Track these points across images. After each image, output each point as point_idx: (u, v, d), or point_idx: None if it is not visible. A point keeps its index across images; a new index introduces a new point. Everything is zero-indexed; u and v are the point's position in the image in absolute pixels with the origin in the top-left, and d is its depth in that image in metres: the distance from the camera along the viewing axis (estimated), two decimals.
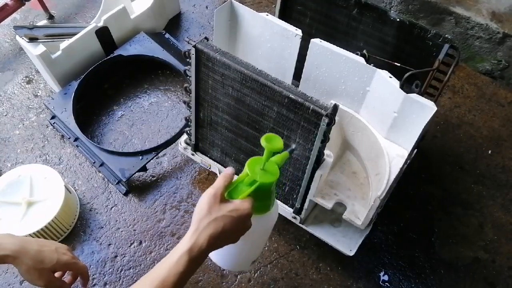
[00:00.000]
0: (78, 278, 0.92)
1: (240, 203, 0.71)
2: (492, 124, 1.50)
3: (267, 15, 1.14)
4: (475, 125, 1.49)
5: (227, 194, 0.73)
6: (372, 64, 1.06)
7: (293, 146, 0.93)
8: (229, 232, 0.71)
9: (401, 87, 1.02)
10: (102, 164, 1.33)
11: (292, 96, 0.90)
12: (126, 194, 1.32)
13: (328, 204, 1.07)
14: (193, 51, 0.99)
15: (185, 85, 1.10)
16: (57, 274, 0.88)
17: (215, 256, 0.92)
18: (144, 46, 1.53)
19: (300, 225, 1.15)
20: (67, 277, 0.90)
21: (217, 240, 0.69)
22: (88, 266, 1.05)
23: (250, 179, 0.74)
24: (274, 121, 0.99)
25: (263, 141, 0.73)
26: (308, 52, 1.13)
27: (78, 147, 1.38)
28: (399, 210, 1.30)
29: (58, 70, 1.44)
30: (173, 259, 0.67)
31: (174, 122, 1.48)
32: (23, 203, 1.18)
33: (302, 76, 1.20)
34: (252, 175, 0.74)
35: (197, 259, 0.68)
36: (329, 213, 1.16)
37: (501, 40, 1.54)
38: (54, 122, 1.44)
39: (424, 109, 1.00)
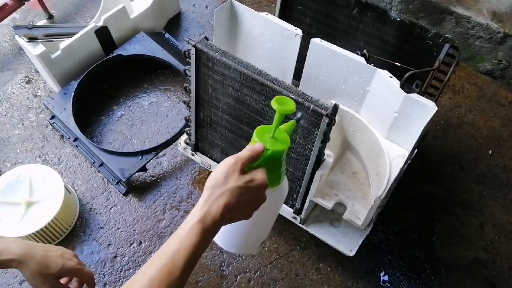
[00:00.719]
0: (84, 285, 0.90)
1: (256, 173, 0.66)
2: (493, 124, 1.49)
3: (267, 14, 1.13)
4: (475, 125, 1.49)
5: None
6: (372, 64, 1.06)
7: (299, 114, 0.86)
8: (244, 204, 0.65)
9: (402, 87, 1.02)
10: (101, 164, 1.33)
11: (292, 96, 0.90)
12: (125, 194, 1.32)
13: (328, 204, 1.07)
14: (193, 51, 0.98)
15: (185, 85, 1.09)
16: (63, 281, 0.87)
17: (221, 239, 0.84)
18: (144, 46, 1.53)
19: (300, 225, 1.15)
20: (73, 284, 0.89)
21: (231, 211, 0.64)
22: (88, 266, 1.04)
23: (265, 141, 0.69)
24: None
25: (274, 104, 0.68)
26: (308, 52, 1.13)
27: (77, 147, 1.38)
28: (400, 210, 1.30)
29: (58, 70, 1.44)
30: (184, 231, 0.61)
31: (174, 122, 1.48)
32: (22, 203, 1.18)
33: (302, 76, 1.19)
34: (262, 142, 0.69)
35: (210, 230, 0.62)
36: (329, 213, 1.16)
37: (501, 40, 1.54)
38: (54, 122, 1.44)
39: (424, 109, 1.00)
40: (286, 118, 0.72)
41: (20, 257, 0.79)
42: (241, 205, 0.65)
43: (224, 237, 0.83)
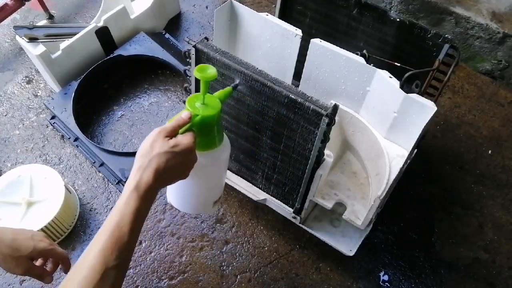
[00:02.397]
0: (60, 266, 0.90)
1: (181, 138, 0.72)
2: (492, 124, 1.50)
3: (267, 15, 1.14)
4: (475, 125, 1.49)
5: (168, 122, 0.74)
6: (372, 64, 1.06)
7: (237, 81, 0.91)
8: (175, 167, 0.70)
9: (401, 87, 1.02)
10: (102, 164, 1.33)
11: (292, 96, 0.90)
12: None
13: (328, 204, 1.07)
14: (193, 51, 0.99)
15: (185, 85, 1.10)
16: (38, 263, 0.87)
17: (175, 200, 0.91)
18: (144, 46, 1.53)
19: (300, 225, 1.15)
20: (48, 265, 0.89)
21: (163, 175, 0.69)
22: None
23: (193, 115, 0.75)
24: (274, 121, 0.99)
25: (196, 73, 0.73)
26: (308, 52, 1.13)
27: (78, 147, 1.38)
28: (399, 210, 1.30)
29: (58, 70, 1.44)
30: (123, 200, 0.66)
31: None
32: (23, 203, 1.18)
33: (302, 76, 1.20)
34: (192, 110, 0.75)
35: (146, 195, 0.67)
36: (329, 213, 1.16)
37: (501, 40, 1.54)
38: (54, 122, 1.44)
39: (424, 109, 1.00)
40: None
41: None
42: (171, 168, 0.70)
43: (177, 199, 0.91)
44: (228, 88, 0.84)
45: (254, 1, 1.84)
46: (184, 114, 0.75)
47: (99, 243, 0.64)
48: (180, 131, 0.73)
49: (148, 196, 0.68)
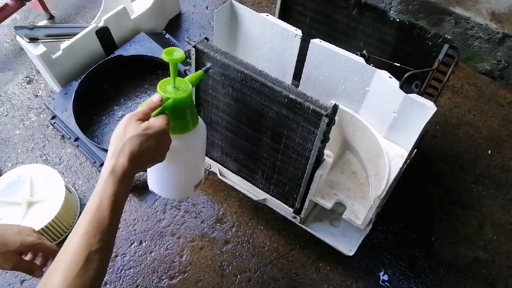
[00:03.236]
0: (50, 259, 0.90)
1: (153, 120, 0.72)
2: (492, 124, 1.50)
3: (267, 15, 1.14)
4: (474, 125, 1.49)
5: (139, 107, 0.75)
6: (371, 64, 1.06)
7: (208, 64, 0.93)
8: (149, 150, 0.71)
9: (401, 87, 1.03)
10: (102, 164, 1.33)
11: (292, 96, 0.90)
12: None
13: (328, 204, 1.07)
14: (193, 52, 0.99)
15: None
16: (27, 258, 0.87)
17: (155, 186, 0.92)
18: (145, 47, 1.53)
19: (300, 225, 1.15)
20: (38, 260, 0.89)
21: (138, 158, 0.70)
22: None
23: (164, 98, 0.77)
24: (274, 121, 0.99)
25: (164, 56, 0.75)
26: (308, 52, 1.13)
27: (78, 147, 1.38)
28: (399, 210, 1.30)
29: (59, 70, 1.44)
30: (100, 185, 0.68)
31: None
32: (23, 203, 1.18)
33: (302, 76, 1.20)
34: (164, 94, 0.77)
35: (123, 178, 0.68)
36: (328, 213, 1.16)
37: (500, 40, 1.54)
38: (55, 122, 1.44)
39: (423, 109, 1.00)
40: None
41: None
42: (146, 151, 0.70)
43: (157, 184, 0.92)
44: (200, 72, 0.85)
45: (254, 1, 1.85)
46: (155, 98, 0.76)
47: (81, 228, 0.66)
48: (152, 114, 0.74)
49: (125, 179, 0.69)
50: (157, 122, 0.73)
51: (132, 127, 0.70)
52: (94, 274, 0.64)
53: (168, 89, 0.79)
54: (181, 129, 0.83)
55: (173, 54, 0.77)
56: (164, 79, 0.80)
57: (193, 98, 1.10)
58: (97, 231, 0.65)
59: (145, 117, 0.73)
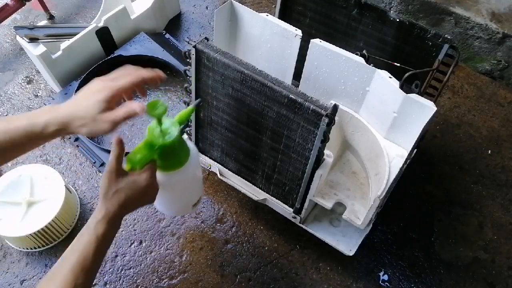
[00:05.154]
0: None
1: (138, 176, 0.75)
2: (492, 124, 1.50)
3: (267, 15, 1.14)
4: (474, 125, 1.49)
5: (129, 164, 0.77)
6: (372, 64, 1.06)
7: (198, 100, 0.96)
8: (136, 199, 0.75)
9: (401, 87, 1.03)
10: (102, 164, 1.33)
11: (292, 96, 0.91)
12: None
13: (328, 204, 1.07)
14: (193, 52, 0.99)
15: (185, 85, 1.10)
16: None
17: (158, 205, 0.97)
18: (145, 47, 1.53)
19: (300, 225, 1.15)
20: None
21: (128, 206, 0.74)
22: None
23: (150, 143, 0.78)
24: (274, 121, 0.99)
25: (147, 110, 0.75)
26: (308, 52, 1.13)
27: (78, 147, 1.38)
28: (399, 210, 1.30)
29: (59, 70, 1.44)
30: (90, 227, 0.72)
31: None
32: (23, 203, 1.18)
33: (302, 76, 1.20)
34: (152, 139, 0.78)
35: (112, 223, 0.73)
36: (328, 213, 1.16)
37: (500, 40, 1.54)
38: None
39: (423, 109, 1.00)
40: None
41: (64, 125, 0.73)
42: (134, 201, 0.75)
43: (159, 205, 0.97)
44: (190, 108, 0.87)
45: (254, 1, 1.85)
46: (116, 140, 0.76)
47: (69, 262, 0.70)
48: (138, 167, 0.77)
49: (114, 223, 0.74)
50: (141, 177, 0.76)
51: (114, 183, 0.74)
52: None
53: (155, 134, 0.79)
54: (173, 167, 0.85)
55: (156, 109, 0.77)
56: (153, 122, 0.80)
57: (193, 99, 1.10)
58: (83, 268, 0.70)
59: (122, 171, 0.75)
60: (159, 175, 0.83)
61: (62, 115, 0.72)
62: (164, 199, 0.83)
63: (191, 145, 0.92)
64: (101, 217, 0.72)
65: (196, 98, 1.10)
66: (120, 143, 0.76)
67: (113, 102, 0.74)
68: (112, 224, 0.73)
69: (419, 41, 1.12)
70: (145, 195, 0.77)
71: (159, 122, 0.78)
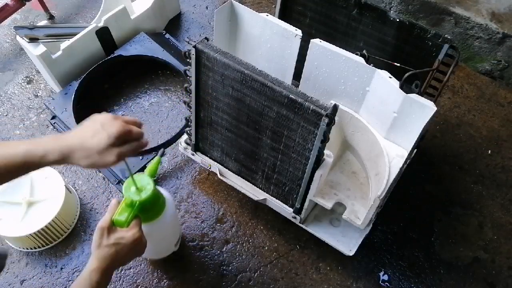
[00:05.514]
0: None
1: (126, 232, 0.82)
2: (492, 124, 1.50)
3: (267, 15, 1.14)
4: (474, 125, 1.49)
5: (114, 222, 0.84)
6: (372, 64, 1.06)
7: (162, 149, 1.05)
8: (125, 253, 0.82)
9: (401, 87, 1.03)
10: None
11: (292, 96, 0.91)
12: None
13: (328, 204, 1.07)
14: (193, 51, 0.99)
15: (185, 85, 1.10)
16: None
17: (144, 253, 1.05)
18: (144, 47, 1.53)
19: (300, 225, 1.15)
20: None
21: (118, 259, 0.81)
22: None
23: (130, 202, 0.86)
24: (274, 121, 0.99)
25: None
26: (308, 52, 1.13)
27: None
28: (399, 210, 1.30)
29: (59, 70, 1.44)
30: (85, 277, 0.77)
31: (174, 122, 1.48)
32: (23, 203, 1.18)
33: (302, 76, 1.20)
34: (130, 197, 0.86)
35: (106, 274, 0.79)
36: (328, 213, 1.16)
37: (500, 40, 1.54)
38: (55, 122, 1.44)
39: (423, 109, 1.00)
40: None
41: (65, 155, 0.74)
42: (124, 255, 0.81)
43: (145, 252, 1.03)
44: (157, 159, 0.95)
45: (254, 1, 1.85)
46: (113, 202, 0.87)
47: None
48: (125, 225, 0.84)
49: (107, 275, 0.80)
50: (129, 233, 0.82)
51: (105, 238, 0.80)
52: None
53: (132, 193, 0.87)
54: (152, 218, 0.95)
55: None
56: (127, 181, 0.88)
57: (193, 100, 1.10)
58: None
59: (113, 227, 0.83)
60: (142, 227, 0.90)
61: (65, 145, 0.73)
62: (150, 243, 0.90)
63: (165, 192, 1.01)
64: (95, 267, 0.77)
65: (196, 98, 1.10)
66: (118, 204, 0.86)
67: (122, 139, 0.74)
68: (105, 275, 0.79)
69: (419, 41, 1.12)
70: (134, 249, 0.83)
71: (134, 181, 0.87)
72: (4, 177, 0.73)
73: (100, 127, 0.73)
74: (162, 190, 1.00)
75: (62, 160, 0.73)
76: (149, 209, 0.91)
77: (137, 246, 0.84)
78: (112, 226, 0.83)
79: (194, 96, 1.09)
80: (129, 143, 0.75)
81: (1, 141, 1.44)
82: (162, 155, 1.02)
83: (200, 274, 1.19)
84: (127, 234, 0.82)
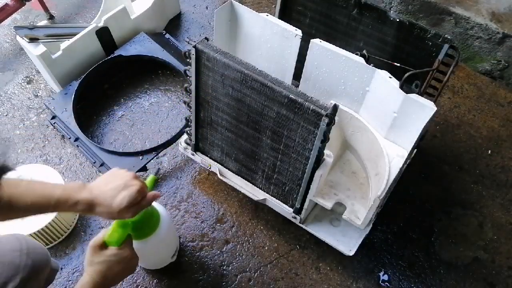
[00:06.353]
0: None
1: (118, 250, 0.84)
2: (492, 124, 1.50)
3: (267, 15, 1.14)
4: (474, 125, 1.49)
5: (106, 242, 0.85)
6: (372, 64, 1.06)
7: (157, 167, 1.08)
8: (117, 271, 0.83)
9: (401, 87, 1.03)
10: (102, 164, 1.33)
11: (292, 96, 0.91)
12: None
13: (328, 204, 1.07)
14: (193, 52, 0.99)
15: (185, 85, 1.10)
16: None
17: (141, 263, 1.08)
18: (144, 47, 1.53)
19: (300, 225, 1.15)
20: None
21: (110, 275, 0.82)
22: None
23: (123, 222, 0.87)
24: (274, 121, 0.99)
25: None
26: (308, 52, 1.13)
27: (78, 147, 1.38)
28: (399, 209, 1.30)
29: (59, 70, 1.44)
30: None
31: (174, 122, 1.48)
32: None
33: (302, 76, 1.20)
34: (124, 220, 0.86)
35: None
36: (328, 213, 1.16)
37: (500, 40, 1.54)
38: (55, 122, 1.44)
39: (423, 109, 1.00)
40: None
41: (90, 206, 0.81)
42: (116, 272, 0.83)
43: (142, 263, 1.08)
44: (152, 177, 0.93)
45: (254, 1, 1.85)
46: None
47: None
48: (117, 244, 0.84)
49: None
50: (121, 251, 0.84)
51: (97, 255, 0.82)
52: None
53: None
54: (146, 235, 0.96)
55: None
56: None
57: (193, 100, 1.10)
58: None
59: (105, 245, 0.84)
60: (136, 243, 0.92)
61: (91, 200, 0.80)
62: (145, 257, 0.92)
63: (160, 208, 1.02)
64: (87, 281, 0.79)
65: (196, 98, 1.10)
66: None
67: (139, 199, 0.82)
68: None
69: (419, 41, 1.12)
70: (125, 268, 0.85)
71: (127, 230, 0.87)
72: (33, 213, 0.81)
73: (122, 186, 0.80)
74: (157, 205, 1.02)
75: (85, 211, 0.81)
76: (143, 227, 0.94)
77: (128, 264, 0.86)
78: (105, 245, 0.85)
79: (194, 96, 1.09)
80: (144, 199, 0.83)
81: (2, 141, 1.45)
82: (157, 173, 1.03)
83: (200, 274, 1.19)
84: (118, 252, 0.84)
